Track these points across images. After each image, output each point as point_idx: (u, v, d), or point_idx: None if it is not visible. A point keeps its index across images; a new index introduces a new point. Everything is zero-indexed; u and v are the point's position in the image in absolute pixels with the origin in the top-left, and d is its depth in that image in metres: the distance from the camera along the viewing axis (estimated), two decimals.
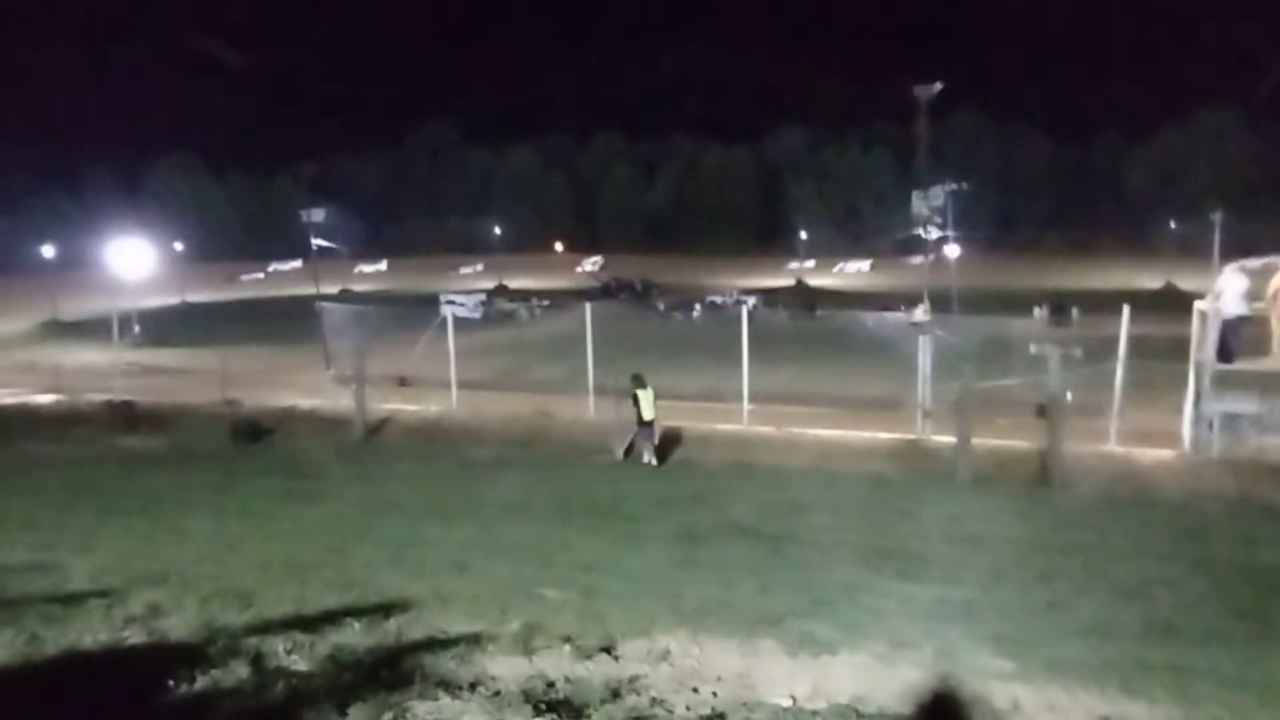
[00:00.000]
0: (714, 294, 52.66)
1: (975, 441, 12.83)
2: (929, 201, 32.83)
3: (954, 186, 35.82)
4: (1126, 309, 14.17)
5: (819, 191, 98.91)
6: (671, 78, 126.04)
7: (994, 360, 15.50)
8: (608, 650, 4.25)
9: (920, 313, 19.59)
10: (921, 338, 15.73)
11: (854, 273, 79.49)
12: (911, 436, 14.86)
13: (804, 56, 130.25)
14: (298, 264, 76.70)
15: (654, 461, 14.23)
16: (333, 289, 51.98)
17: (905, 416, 15.43)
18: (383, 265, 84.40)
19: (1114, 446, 13.63)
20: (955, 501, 11.28)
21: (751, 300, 46.65)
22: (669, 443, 14.87)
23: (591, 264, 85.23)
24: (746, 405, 16.54)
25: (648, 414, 14.30)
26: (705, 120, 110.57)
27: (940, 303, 28.33)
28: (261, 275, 79.12)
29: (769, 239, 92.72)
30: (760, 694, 3.71)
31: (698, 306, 48.65)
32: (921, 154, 46.68)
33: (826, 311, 41.44)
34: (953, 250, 42.58)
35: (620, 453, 14.47)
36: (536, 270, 77.30)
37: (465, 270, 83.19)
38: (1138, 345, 14.32)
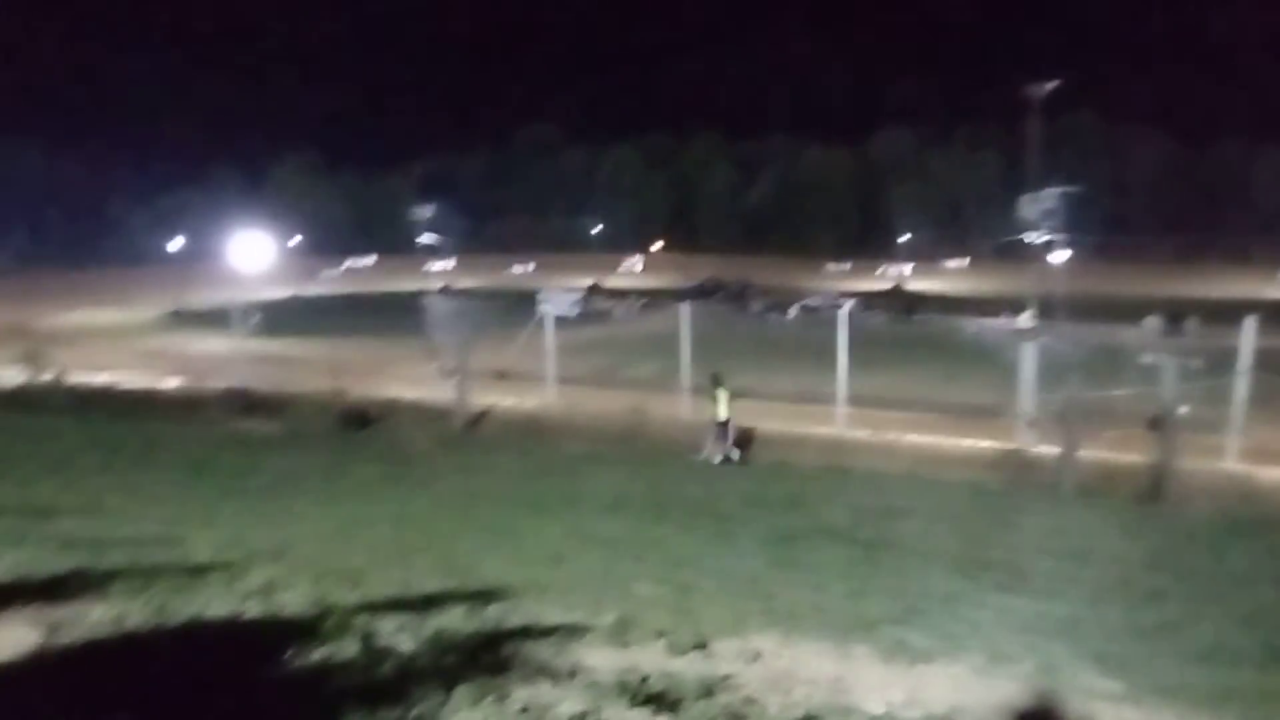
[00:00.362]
0: (810, 296, 51.96)
1: (1081, 453, 12.32)
2: (1038, 204, 31.59)
3: (1065, 189, 34.35)
4: (1250, 319, 13.35)
5: (921, 193, 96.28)
6: (772, 77, 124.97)
7: (1103, 370, 14.83)
8: (700, 647, 4.29)
9: (1025, 319, 18.91)
10: (1026, 344, 15.20)
11: (954, 269, 76.51)
12: (1012, 446, 14.37)
13: (910, 56, 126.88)
14: (370, 260, 79.11)
15: (734, 459, 14.38)
16: (436, 284, 53.54)
17: (1006, 425, 14.94)
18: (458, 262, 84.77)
19: (1233, 464, 12.88)
20: (1058, 514, 10.86)
21: (849, 303, 45.82)
22: (762, 444, 14.80)
23: (633, 263, 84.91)
24: (842, 409, 16.31)
25: (723, 413, 14.57)
26: (805, 120, 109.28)
27: (1046, 309, 27.26)
28: (339, 271, 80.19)
29: (868, 241, 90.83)
30: (854, 699, 3.69)
31: (794, 308, 48.09)
32: (1032, 155, 44.92)
33: (925, 316, 40.37)
34: (1061, 255, 40.84)
35: (708, 454, 14.56)
36: (635, 269, 77.76)
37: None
38: (1264, 359, 13.46)
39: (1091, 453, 12.66)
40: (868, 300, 52.21)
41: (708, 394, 14.73)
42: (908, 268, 75.44)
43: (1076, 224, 43.13)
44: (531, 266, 79.56)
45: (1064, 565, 8.32)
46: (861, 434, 15.56)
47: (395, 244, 73.87)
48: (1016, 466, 13.45)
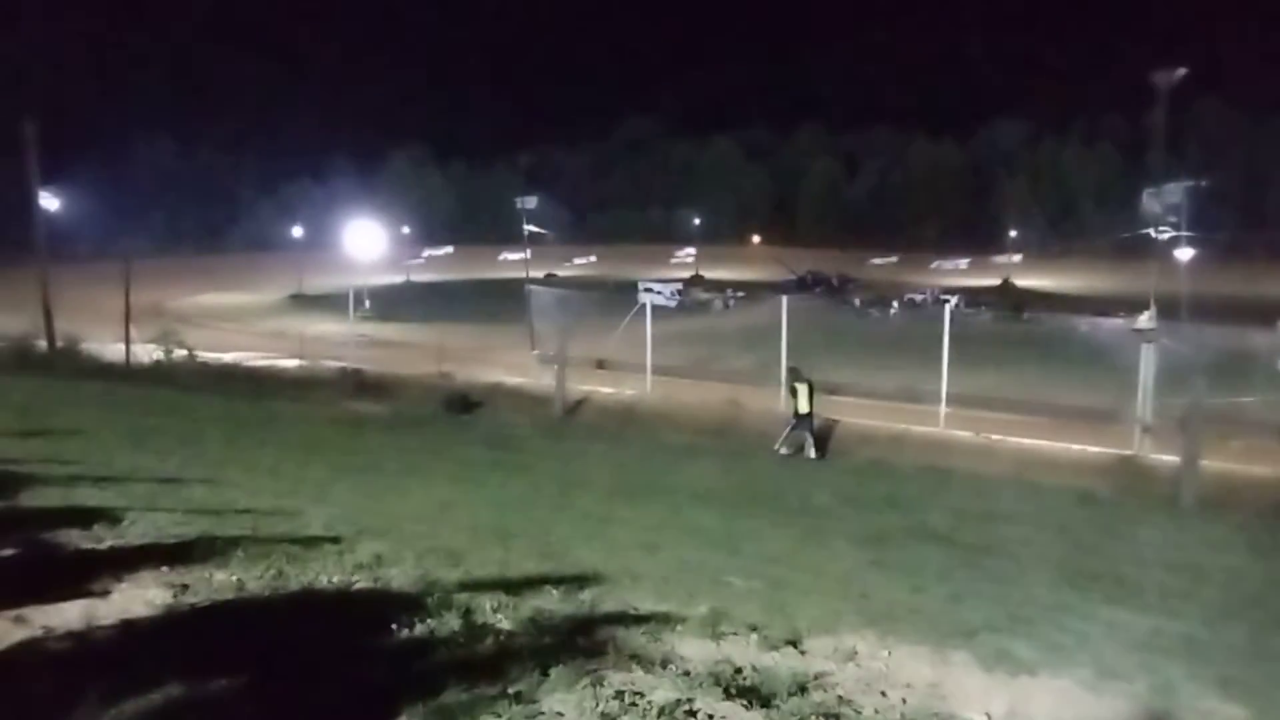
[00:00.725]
0: (913, 291, 50.60)
1: (1203, 463, 11.62)
2: (1162, 199, 29.80)
3: (1192, 182, 32.29)
4: None
5: (1033, 188, 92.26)
6: (879, 70, 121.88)
7: (1230, 375, 13.96)
8: (794, 644, 4.26)
9: (1145, 319, 17.93)
10: (1145, 346, 14.42)
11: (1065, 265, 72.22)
12: (1127, 452, 13.69)
13: (1023, 45, 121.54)
14: (449, 250, 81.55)
15: (811, 455, 14.23)
16: (539, 273, 54.52)
17: (1121, 431, 14.23)
18: (591, 257, 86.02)
19: None
20: (1176, 527, 10.29)
21: (953, 299, 44.45)
22: (860, 441, 14.53)
23: (683, 256, 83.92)
24: (944, 408, 15.85)
25: (804, 407, 14.46)
26: (912, 113, 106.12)
27: (1169, 309, 25.78)
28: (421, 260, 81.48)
29: (975, 237, 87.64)
30: (952, 706, 3.60)
31: (895, 304, 46.94)
32: (1156, 147, 42.34)
33: (1035, 314, 38.76)
34: (1186, 252, 38.44)
35: (781, 444, 14.52)
36: (733, 262, 77.39)
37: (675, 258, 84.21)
38: None
39: (1215, 463, 11.93)
40: (974, 296, 50.57)
41: (788, 388, 14.72)
42: (1015, 258, 72.53)
43: (1204, 220, 40.51)
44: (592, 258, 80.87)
45: (1182, 581, 7.88)
46: (963, 434, 15.09)
47: (502, 234, 75.51)
48: (1130, 475, 12.80)
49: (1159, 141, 40.43)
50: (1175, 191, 30.19)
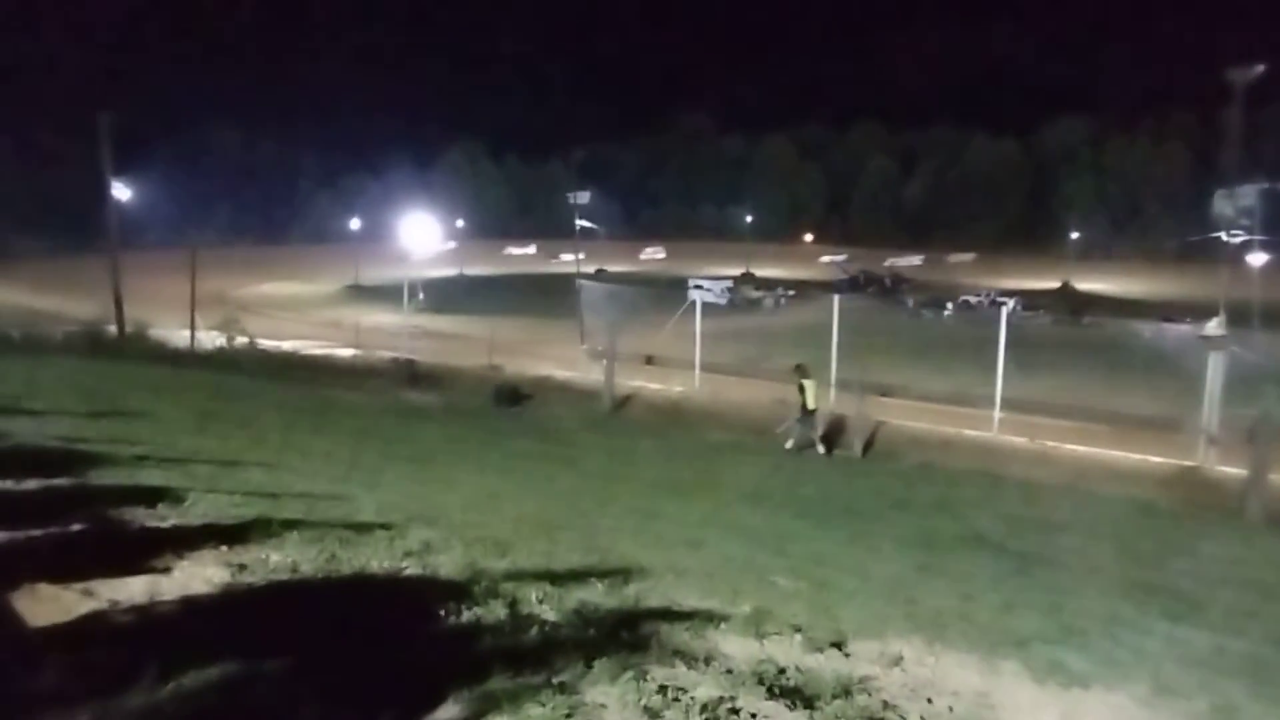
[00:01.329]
0: (968, 293, 49.67)
1: (1273, 477, 11.20)
2: (1235, 201, 28.80)
3: (1267, 185, 31.12)
4: None
5: (1097, 188, 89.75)
6: (939, 65, 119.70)
7: None
8: (838, 646, 4.22)
9: (1213, 326, 17.34)
10: (1212, 354, 13.95)
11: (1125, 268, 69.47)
12: (1190, 463, 13.27)
13: (1089, 40, 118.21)
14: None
15: (821, 449, 14.30)
16: (592, 268, 54.76)
17: (1184, 441, 13.79)
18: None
19: None
20: (1242, 542, 9.93)
21: (1010, 302, 43.53)
22: (910, 444, 14.31)
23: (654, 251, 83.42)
24: (998, 412, 15.54)
25: (811, 404, 14.48)
26: (972, 111, 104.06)
27: (1239, 316, 24.88)
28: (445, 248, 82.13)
29: (1035, 237, 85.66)
30: (1001, 716, 3.53)
31: (949, 305, 46.14)
32: (1230, 148, 40.90)
33: (1096, 318, 37.75)
34: (1258, 257, 37.04)
35: (785, 433, 14.58)
36: (785, 260, 76.81)
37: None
38: None
39: None
40: (1031, 299, 49.43)
41: (794, 383, 14.72)
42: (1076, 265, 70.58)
43: (1278, 223, 39.02)
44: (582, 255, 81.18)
45: (1247, 598, 7.61)
46: (1018, 440, 14.78)
47: (555, 228, 76.12)
48: (1193, 486, 12.40)
49: (1233, 141, 39.05)
50: (1249, 194, 29.17)
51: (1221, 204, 29.46)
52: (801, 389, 14.52)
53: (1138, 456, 13.78)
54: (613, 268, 68.14)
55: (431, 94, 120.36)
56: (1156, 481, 12.72)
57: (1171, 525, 10.64)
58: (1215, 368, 13.70)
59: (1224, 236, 29.79)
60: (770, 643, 4.09)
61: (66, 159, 72.10)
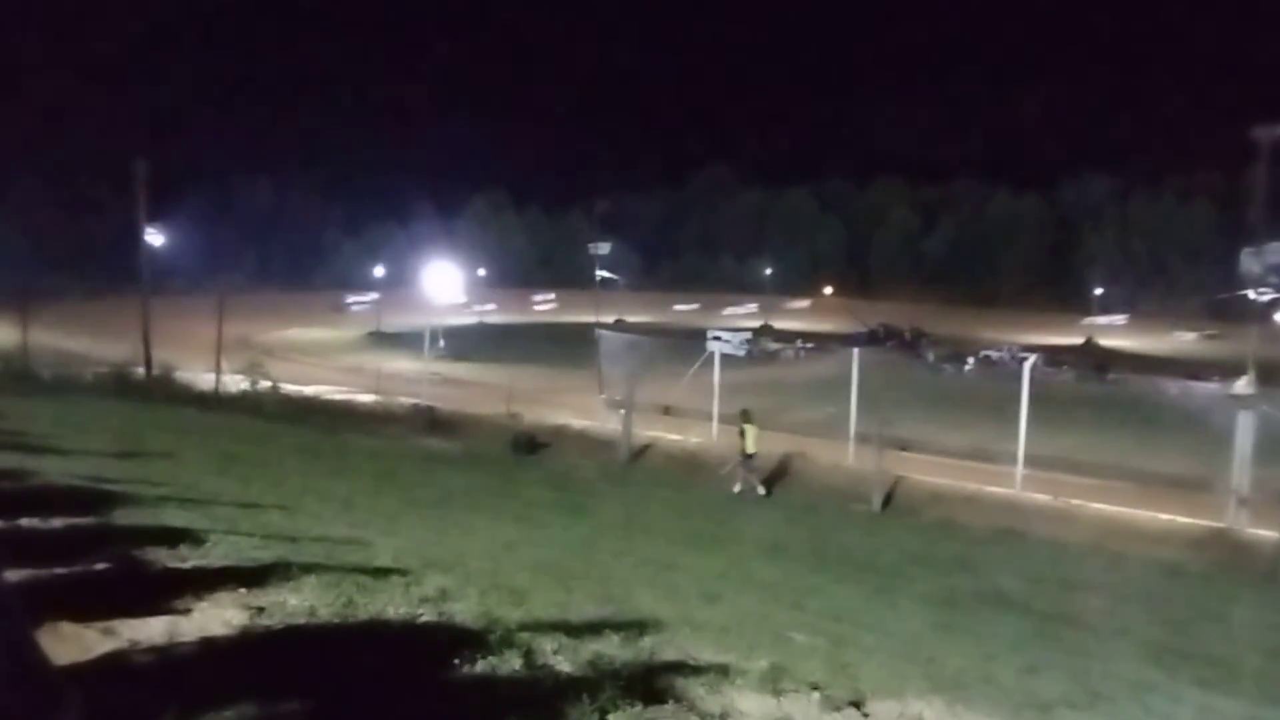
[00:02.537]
0: (989, 348, 49.42)
1: None
2: (1263, 259, 28.68)
3: None
4: None
5: (1121, 244, 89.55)
6: (961, 120, 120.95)
7: None
8: (857, 705, 4.14)
9: (1243, 384, 17.14)
10: (1242, 413, 13.76)
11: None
12: (1220, 525, 13.01)
13: (1112, 96, 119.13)
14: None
15: (760, 490, 15.02)
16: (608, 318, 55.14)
17: (1213, 502, 13.54)
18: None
19: None
20: (1276, 607, 9.69)
21: (1032, 358, 43.22)
22: (930, 500, 14.15)
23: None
24: (1020, 469, 15.35)
25: (750, 448, 15.25)
26: (993, 165, 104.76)
27: (1268, 374, 24.54)
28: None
29: (1058, 293, 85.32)
30: None
31: (970, 360, 45.89)
32: (1256, 204, 40.81)
33: (1120, 375, 37.39)
34: None
35: (732, 478, 15.33)
36: (803, 313, 76.92)
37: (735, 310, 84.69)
38: None
39: None
40: (1055, 355, 49.08)
41: (737, 427, 15.57)
42: (1115, 319, 70.01)
43: None
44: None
45: None
46: (1041, 497, 14.57)
47: (575, 278, 76.86)
48: (1224, 548, 12.15)
49: (1260, 198, 38.95)
50: (1276, 251, 29.00)
51: (1248, 262, 29.32)
52: (743, 433, 15.29)
53: (1165, 517, 13.53)
54: (663, 317, 68.35)
55: (457, 145, 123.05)
56: (1185, 542, 12.48)
57: (1202, 588, 10.41)
58: (1245, 427, 13.50)
59: (1251, 294, 29.58)
60: (787, 700, 4.02)
61: (103, 204, 74.15)
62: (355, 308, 67.70)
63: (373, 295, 67.98)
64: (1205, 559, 11.77)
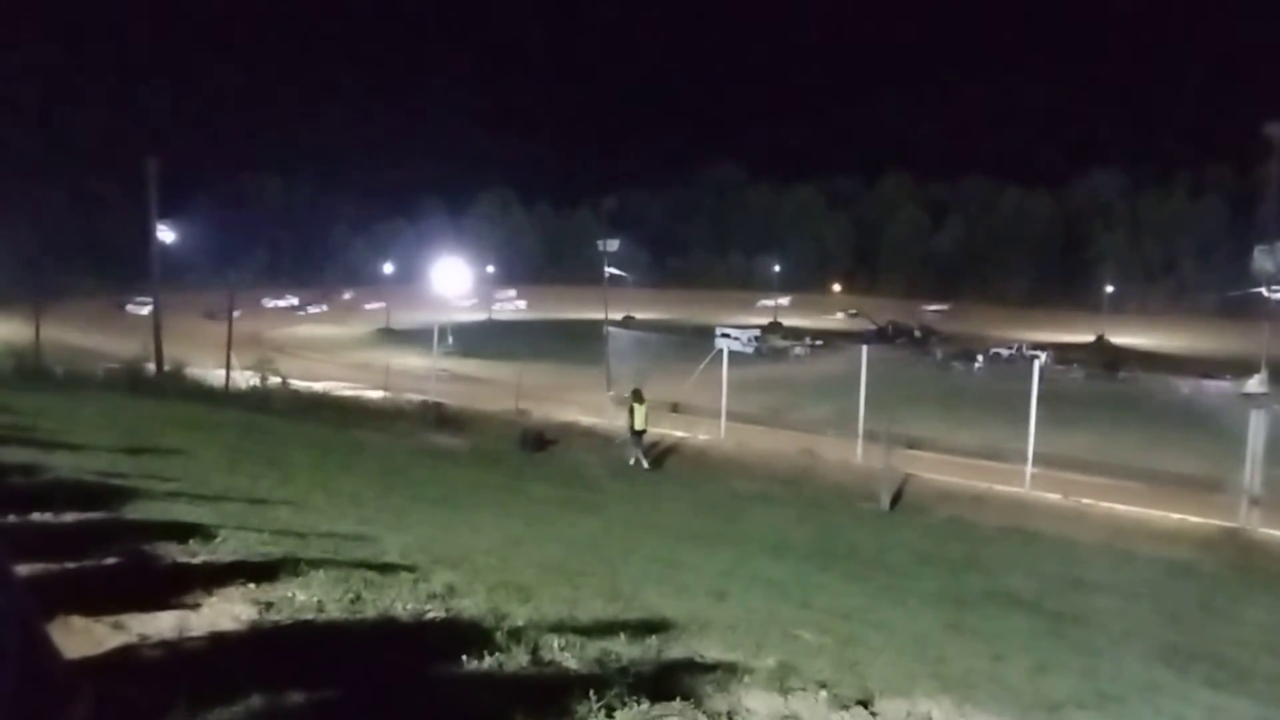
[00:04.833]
0: (999, 346, 49.24)
1: None
2: (1275, 256, 28.47)
3: None
4: None
5: (1132, 241, 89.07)
6: (971, 118, 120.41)
7: None
8: (865, 704, 4.13)
9: (1255, 383, 17.04)
10: (1254, 412, 13.67)
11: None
12: (1231, 525, 12.93)
13: (1123, 93, 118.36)
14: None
15: (645, 464, 16.45)
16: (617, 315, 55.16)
17: (1225, 501, 13.46)
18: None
19: None
20: None
21: (1042, 355, 43.06)
22: (938, 499, 14.10)
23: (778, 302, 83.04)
24: (1030, 468, 15.29)
25: (639, 425, 16.69)
26: (1003, 162, 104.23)
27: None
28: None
29: (1067, 290, 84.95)
30: None
31: (979, 358, 45.73)
32: (1269, 201, 40.51)
33: (1131, 373, 37.19)
34: None
35: (626, 455, 16.63)
36: (811, 310, 76.77)
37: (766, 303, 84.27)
38: None
39: None
40: (1064, 353, 48.81)
41: (627, 405, 16.96)
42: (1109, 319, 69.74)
43: None
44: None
45: None
46: (1051, 496, 14.51)
47: (584, 275, 76.85)
48: (1235, 548, 12.07)
49: (1271, 195, 38.65)
50: None
51: (1261, 259, 29.12)
52: (632, 411, 16.63)
53: (1176, 516, 13.46)
54: (640, 314, 68.48)
55: (465, 142, 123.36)
56: (1196, 542, 12.41)
57: (1213, 588, 10.34)
58: (1257, 426, 13.42)
59: (1264, 292, 29.37)
60: (795, 699, 4.01)
61: (115, 203, 74.53)
62: (132, 308, 55.69)
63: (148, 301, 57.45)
64: (1216, 559, 11.70)
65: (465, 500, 11.09)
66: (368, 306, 74.05)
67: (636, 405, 16.72)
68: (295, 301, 78.75)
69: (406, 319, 53.91)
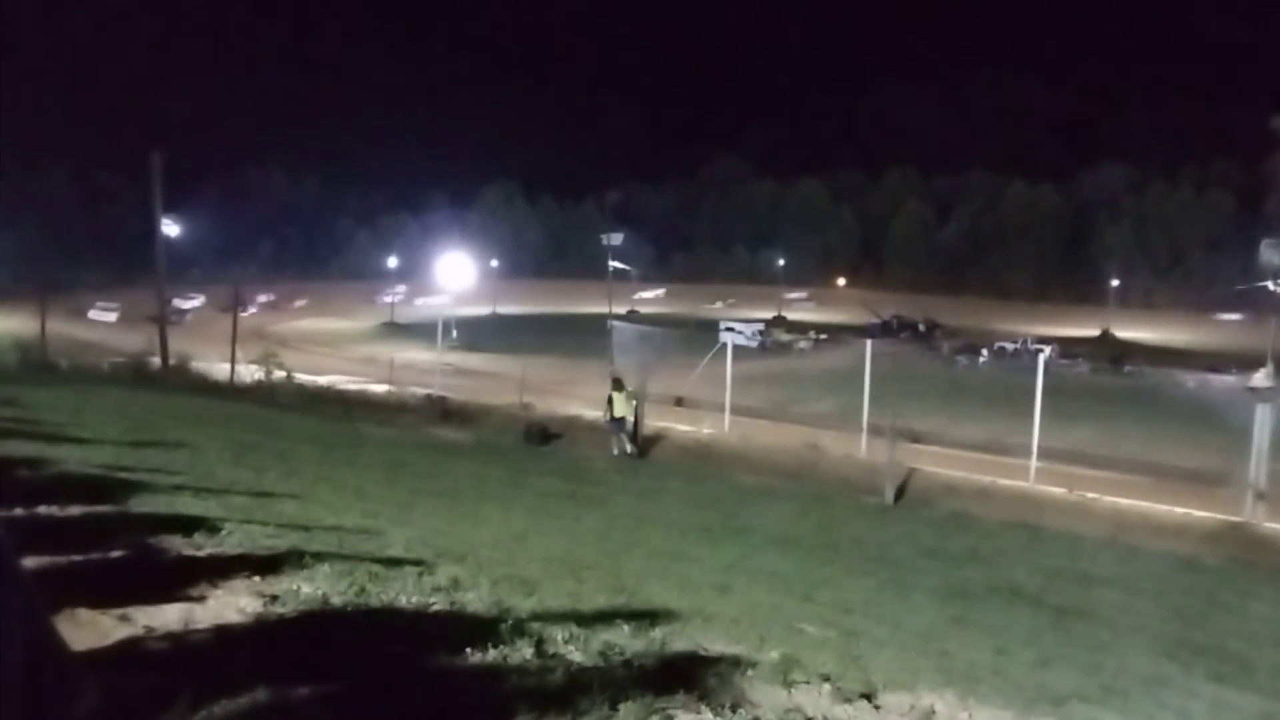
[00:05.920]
0: (1004, 340, 49.14)
1: None
2: None
3: None
4: None
5: (1138, 235, 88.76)
6: (977, 111, 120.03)
7: None
8: (868, 697, 4.14)
9: (1261, 377, 17.00)
10: (1260, 406, 13.64)
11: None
12: (1236, 519, 12.91)
13: (1128, 86, 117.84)
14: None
15: (629, 450, 16.69)
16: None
17: (1230, 496, 13.44)
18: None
19: None
20: None
21: (1047, 349, 42.97)
22: (943, 492, 14.09)
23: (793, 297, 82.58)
24: (1035, 462, 15.27)
25: (619, 412, 16.88)
26: (1009, 156, 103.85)
27: None
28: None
29: (1073, 284, 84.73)
30: None
31: (985, 352, 45.64)
32: (1276, 196, 40.31)
33: (1136, 367, 37.09)
34: None
35: (615, 449, 16.76)
36: (817, 304, 76.68)
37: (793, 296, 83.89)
38: None
39: None
40: (1069, 347, 48.68)
41: (608, 394, 17.05)
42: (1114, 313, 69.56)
43: None
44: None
45: None
46: (1055, 490, 14.50)
47: (589, 269, 76.89)
48: (1240, 543, 12.05)
49: (1278, 189, 38.48)
50: None
51: (1268, 253, 29.01)
52: (610, 400, 16.77)
53: (1181, 510, 13.44)
54: (645, 308, 68.40)
55: (469, 135, 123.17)
56: (1201, 537, 12.39)
57: (1217, 582, 10.33)
58: (1263, 420, 13.39)
59: (1271, 285, 29.27)
60: (798, 691, 4.03)
61: (121, 197, 74.63)
62: (95, 314, 51.56)
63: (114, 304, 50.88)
64: (1221, 553, 11.69)
65: (469, 494, 11.11)
66: (296, 304, 66.38)
67: (615, 394, 16.82)
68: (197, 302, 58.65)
69: (411, 313, 54.01)
